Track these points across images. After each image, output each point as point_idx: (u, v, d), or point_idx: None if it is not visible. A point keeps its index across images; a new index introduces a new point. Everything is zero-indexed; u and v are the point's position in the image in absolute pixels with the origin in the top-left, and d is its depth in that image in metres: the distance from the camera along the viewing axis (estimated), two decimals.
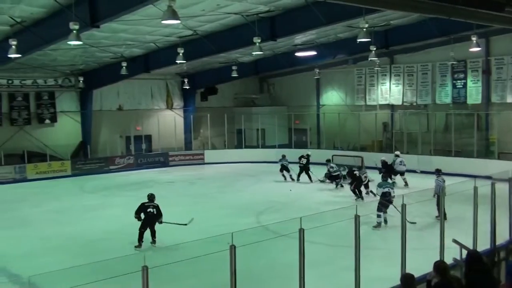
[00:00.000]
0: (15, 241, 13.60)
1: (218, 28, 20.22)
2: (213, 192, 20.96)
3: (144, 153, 30.56)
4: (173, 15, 11.79)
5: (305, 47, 26.19)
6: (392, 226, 11.08)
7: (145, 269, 5.76)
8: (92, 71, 28.20)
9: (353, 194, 18.46)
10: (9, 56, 16.99)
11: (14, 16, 16.16)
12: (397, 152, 22.65)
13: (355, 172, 18.98)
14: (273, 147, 30.52)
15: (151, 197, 13.26)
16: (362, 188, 18.50)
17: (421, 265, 7.78)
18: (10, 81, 26.98)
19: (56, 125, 29.11)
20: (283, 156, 23.92)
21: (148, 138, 31.71)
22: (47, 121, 28.71)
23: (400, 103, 28.63)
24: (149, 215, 12.81)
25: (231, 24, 19.59)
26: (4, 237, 14.11)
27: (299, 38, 23.93)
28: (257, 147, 31.82)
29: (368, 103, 30.32)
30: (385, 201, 14.06)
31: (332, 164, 21.78)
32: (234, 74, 28.11)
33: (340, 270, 10.19)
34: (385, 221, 14.28)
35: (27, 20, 16.64)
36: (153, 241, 12.84)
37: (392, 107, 29.38)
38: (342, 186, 20.51)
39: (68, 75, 28.80)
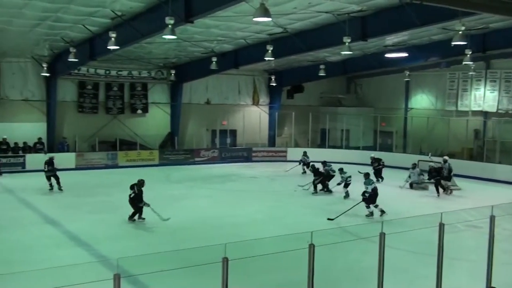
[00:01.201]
0: (104, 224, 14.32)
1: (308, 26, 20.20)
2: (293, 189, 20.98)
3: (229, 147, 31.19)
4: (265, 12, 11.95)
5: (396, 48, 25.57)
6: (479, 237, 10.62)
7: (225, 261, 5.92)
8: (183, 65, 29.10)
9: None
10: (108, 47, 17.91)
11: (115, 9, 16.99)
12: (446, 157, 21.81)
13: (319, 169, 20.34)
14: (357, 148, 30.07)
15: (138, 181, 14.75)
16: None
17: (509, 280, 7.44)
18: (107, 72, 28.41)
19: (147, 115, 30.31)
20: (305, 153, 26.07)
21: (233, 132, 32.30)
22: (139, 111, 29.98)
23: (495, 110, 27.27)
24: (129, 196, 14.55)
25: (322, 22, 19.51)
26: (95, 220, 14.89)
27: (390, 39, 23.41)
28: (340, 147, 31.52)
29: (459, 108, 29.13)
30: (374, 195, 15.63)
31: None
32: (322, 73, 27.99)
33: (419, 278, 9.92)
34: (383, 211, 15.54)
35: (126, 14, 17.45)
36: (130, 219, 14.45)
37: (485, 114, 28.04)
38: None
39: (161, 68, 29.88)
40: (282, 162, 30.14)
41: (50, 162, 19.92)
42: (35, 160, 24.91)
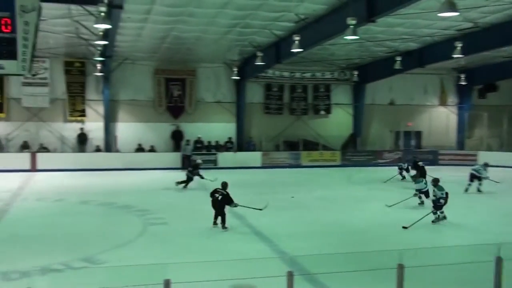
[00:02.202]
0: (284, 222, 14.73)
1: (502, 19, 18.64)
2: (486, 195, 19.39)
3: (413, 150, 30.08)
4: (452, 7, 11.31)
5: None
6: None
7: (400, 267, 5.72)
8: (366, 65, 28.81)
9: None
10: (292, 50, 18.48)
11: (299, 13, 17.49)
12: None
13: (419, 163, 20.45)
14: None
15: (222, 185, 13.67)
16: None
17: None
18: (292, 74, 29.38)
19: (330, 116, 30.63)
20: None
21: (418, 134, 31.10)
22: (322, 112, 30.45)
23: None
24: (213, 200, 13.31)
25: None
26: (278, 217, 15.41)
27: None
28: None
29: None
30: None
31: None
32: None
33: None
34: (444, 217, 14.11)
35: (309, 17, 17.84)
36: (223, 226, 13.24)
37: None
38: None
39: (343, 69, 29.95)
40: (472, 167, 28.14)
41: (194, 166, 20.86)
42: (226, 158, 26.85)
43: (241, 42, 23.16)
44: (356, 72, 29.24)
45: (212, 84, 28.71)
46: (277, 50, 22.58)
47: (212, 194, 13.41)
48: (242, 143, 28.85)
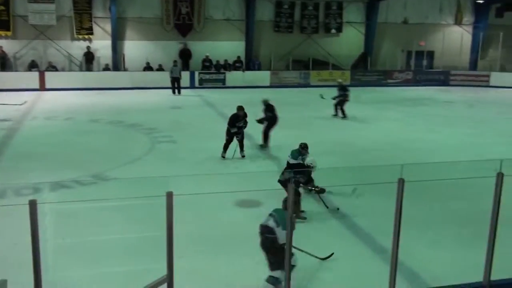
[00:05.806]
0: (289, 140, 14.64)
1: None
2: (494, 117, 19.35)
3: (424, 70, 29.67)
4: None
5: None
6: None
7: (401, 182, 5.74)
8: None
9: None
10: None
11: None
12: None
13: None
14: None
15: None
16: None
17: None
18: None
19: (341, 35, 30.02)
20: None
21: (430, 54, 30.54)
22: (333, 30, 29.83)
23: None
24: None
25: None
26: (282, 136, 15.45)
27: None
28: None
29: None
30: None
31: None
32: None
33: None
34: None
35: None
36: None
37: None
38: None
39: None
40: (483, 88, 27.88)
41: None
42: (234, 77, 26.66)
43: None
44: None
45: (221, 0, 27.98)
46: None
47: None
48: (250, 62, 28.53)
